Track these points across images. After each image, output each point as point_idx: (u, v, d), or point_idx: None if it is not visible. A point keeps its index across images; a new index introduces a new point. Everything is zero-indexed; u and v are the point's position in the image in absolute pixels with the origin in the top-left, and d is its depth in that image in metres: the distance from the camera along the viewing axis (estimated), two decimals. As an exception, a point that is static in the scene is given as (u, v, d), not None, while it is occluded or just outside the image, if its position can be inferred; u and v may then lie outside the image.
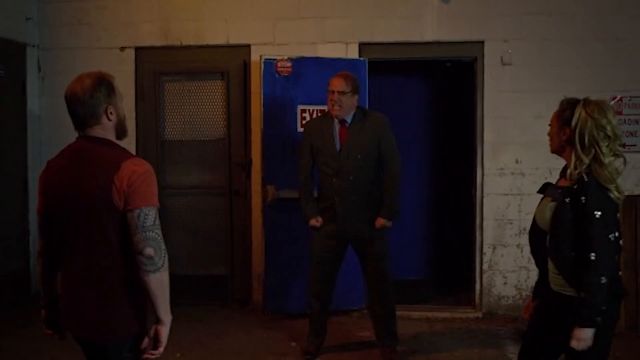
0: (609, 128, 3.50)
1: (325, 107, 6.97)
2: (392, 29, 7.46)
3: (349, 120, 5.86)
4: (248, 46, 7.63)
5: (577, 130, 3.51)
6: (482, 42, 7.37)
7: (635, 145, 7.19)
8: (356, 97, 5.87)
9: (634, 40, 7.20)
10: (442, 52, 7.57)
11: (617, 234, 3.44)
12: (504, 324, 7.08)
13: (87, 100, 3.20)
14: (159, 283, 3.14)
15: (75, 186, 3.16)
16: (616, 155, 3.54)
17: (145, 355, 3.27)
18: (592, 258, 3.31)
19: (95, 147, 3.20)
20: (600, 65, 7.23)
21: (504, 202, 7.28)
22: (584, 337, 3.33)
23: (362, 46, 7.54)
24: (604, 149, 3.49)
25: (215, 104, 7.79)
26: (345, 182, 5.77)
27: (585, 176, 3.45)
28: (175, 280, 7.98)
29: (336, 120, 5.87)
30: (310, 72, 7.10)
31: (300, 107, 7.13)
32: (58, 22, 7.93)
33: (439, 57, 7.71)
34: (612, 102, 7.17)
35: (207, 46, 7.72)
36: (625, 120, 7.16)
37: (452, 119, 8.85)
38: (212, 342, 6.48)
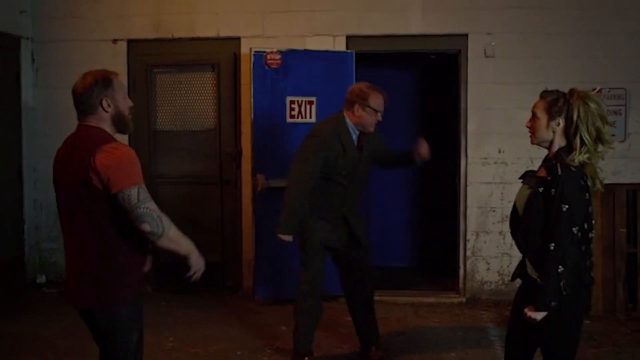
0: (594, 125, 3.61)
1: (313, 99, 7.19)
2: (378, 22, 7.63)
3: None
4: (238, 39, 7.77)
5: (579, 122, 3.62)
6: (466, 35, 7.54)
7: (614, 135, 7.32)
8: None
9: (614, 34, 7.39)
10: (428, 45, 7.75)
11: (586, 226, 3.58)
12: (486, 308, 7.29)
13: (84, 92, 3.51)
14: (168, 242, 3.48)
15: (64, 170, 3.50)
16: (596, 147, 3.66)
17: (192, 277, 3.76)
18: (552, 248, 3.49)
19: (83, 133, 3.51)
20: (581, 57, 7.42)
21: (487, 190, 7.47)
22: (534, 316, 3.56)
23: (350, 39, 7.70)
24: (607, 137, 3.66)
25: (206, 95, 7.95)
26: (356, 191, 5.63)
27: (559, 169, 3.57)
28: (167, 268, 8.20)
29: (356, 132, 5.52)
30: (299, 64, 7.26)
31: (289, 99, 7.28)
32: (51, 14, 8.04)
33: (424, 49, 7.88)
34: (592, 93, 7.34)
35: (198, 39, 7.85)
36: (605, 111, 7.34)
37: (437, 109, 8.99)
38: (205, 327, 6.64)
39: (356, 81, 7.34)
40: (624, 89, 7.38)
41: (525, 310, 3.61)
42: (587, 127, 3.60)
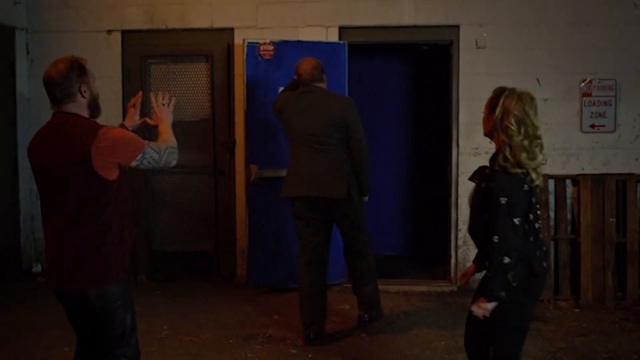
0: (527, 121, 3.66)
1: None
2: (371, 13, 7.67)
3: None
4: (231, 29, 7.80)
5: (497, 119, 3.72)
6: (458, 26, 7.58)
7: (604, 126, 7.44)
8: None
9: (603, 25, 7.44)
10: (420, 36, 7.80)
11: (531, 217, 3.67)
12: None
13: (62, 82, 3.58)
14: (172, 152, 3.86)
15: (49, 159, 3.54)
16: (532, 141, 3.67)
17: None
18: (495, 240, 3.55)
19: (67, 121, 3.59)
20: (571, 48, 7.47)
21: (479, 180, 7.52)
22: (483, 307, 3.64)
23: (342, 30, 7.73)
24: (516, 138, 3.63)
25: (200, 86, 7.99)
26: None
27: (496, 164, 3.67)
28: (161, 257, 8.25)
29: None
30: (292, 55, 7.24)
31: (281, 89, 7.29)
32: (45, 5, 8.06)
33: (416, 40, 7.96)
34: (582, 84, 7.42)
35: (192, 29, 7.88)
36: (594, 102, 7.42)
37: (429, 100, 9.04)
38: (198, 316, 6.70)
39: (348, 72, 7.44)
40: (614, 79, 7.43)
41: (474, 304, 3.70)
42: (501, 124, 3.70)
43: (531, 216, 3.66)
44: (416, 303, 7.18)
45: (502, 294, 3.57)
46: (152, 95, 4.24)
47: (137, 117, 4.37)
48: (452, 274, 7.71)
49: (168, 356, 5.66)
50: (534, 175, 3.66)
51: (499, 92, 3.82)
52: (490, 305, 3.62)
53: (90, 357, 3.84)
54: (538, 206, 3.78)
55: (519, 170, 3.63)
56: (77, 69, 3.62)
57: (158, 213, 8.11)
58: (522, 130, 3.64)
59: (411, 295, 7.46)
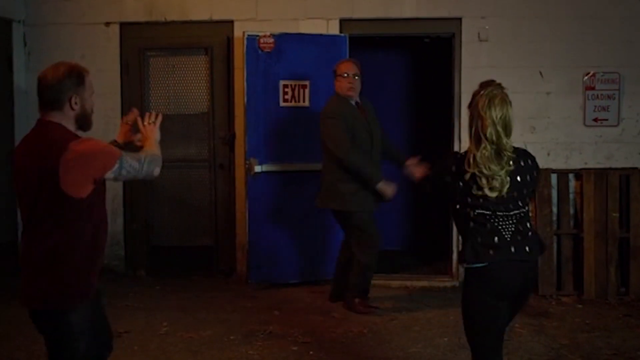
0: (489, 121, 3.62)
1: (306, 83, 7.18)
2: (372, 5, 7.61)
3: (358, 101, 6.48)
4: (231, 22, 7.73)
5: (468, 115, 3.80)
6: (460, 19, 7.53)
7: (607, 120, 7.40)
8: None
9: (606, 18, 7.39)
10: (421, 29, 7.74)
11: (469, 201, 3.70)
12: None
13: (54, 84, 3.35)
14: (151, 158, 3.65)
15: (27, 167, 3.33)
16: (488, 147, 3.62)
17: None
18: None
19: (44, 132, 3.35)
20: (574, 41, 7.42)
21: (480, 174, 7.46)
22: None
23: (343, 22, 7.67)
24: (482, 139, 3.64)
25: (199, 79, 7.94)
26: (378, 156, 6.52)
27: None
28: (161, 252, 8.20)
29: (352, 102, 6.42)
30: (292, 48, 7.25)
31: (282, 82, 7.28)
32: (43, -3, 8.01)
33: (418, 33, 7.89)
34: (586, 77, 7.36)
35: (191, 22, 7.82)
36: (597, 95, 7.37)
37: (430, 93, 8.99)
38: (198, 312, 6.63)
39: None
40: (618, 73, 7.38)
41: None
42: (469, 122, 3.77)
43: (469, 199, 3.69)
44: (417, 298, 7.12)
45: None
46: (138, 118, 3.98)
47: (132, 134, 4.08)
48: (454, 269, 7.65)
49: (168, 353, 5.59)
50: (483, 181, 3.63)
51: (478, 89, 3.82)
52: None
53: None
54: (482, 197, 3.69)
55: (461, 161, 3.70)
56: (76, 76, 3.41)
57: (157, 207, 8.05)
58: (487, 133, 3.62)
59: (412, 290, 7.41)
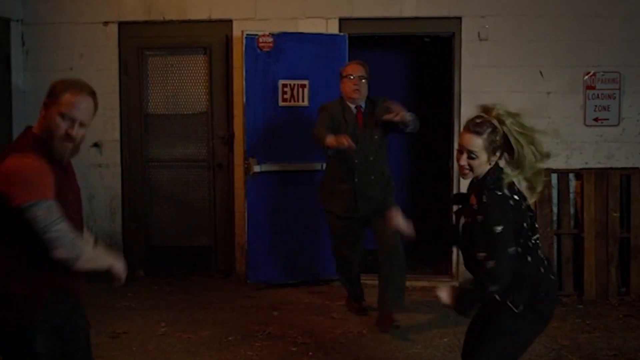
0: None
1: (305, 82, 7.15)
2: (371, 4, 7.57)
3: (363, 105, 6.26)
4: (230, 21, 7.70)
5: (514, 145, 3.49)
6: (460, 18, 7.49)
7: (608, 119, 7.36)
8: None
9: (606, 17, 7.36)
10: (421, 28, 7.71)
11: (521, 241, 3.44)
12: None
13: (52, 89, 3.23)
14: (86, 264, 3.12)
15: None
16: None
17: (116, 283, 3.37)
18: (488, 266, 3.33)
19: (19, 136, 3.26)
20: (574, 41, 7.38)
21: (480, 174, 7.43)
22: (441, 296, 3.56)
23: (342, 21, 7.63)
24: (539, 149, 3.46)
25: (198, 78, 7.90)
26: (366, 163, 6.13)
27: (484, 196, 3.40)
28: (159, 251, 8.19)
29: (352, 105, 6.23)
30: (292, 47, 7.23)
31: (281, 82, 7.26)
32: (41, -4, 7.98)
33: (417, 32, 7.87)
34: (586, 77, 7.33)
35: (190, 21, 7.78)
36: (598, 95, 7.34)
37: (431, 93, 8.96)
38: (196, 312, 6.61)
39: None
40: (618, 72, 7.34)
41: (438, 289, 3.61)
42: (521, 145, 3.42)
43: (521, 240, 3.43)
44: (417, 299, 7.10)
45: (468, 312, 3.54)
46: None
47: None
48: (454, 269, 7.63)
49: (166, 354, 5.57)
50: (534, 195, 3.52)
51: (490, 128, 3.44)
52: (445, 296, 3.53)
53: None
54: (533, 221, 3.54)
55: (510, 198, 3.42)
56: (65, 88, 3.21)
57: (156, 207, 8.02)
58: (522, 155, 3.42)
59: (412, 290, 7.35)
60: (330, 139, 5.81)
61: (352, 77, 6.16)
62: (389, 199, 6.19)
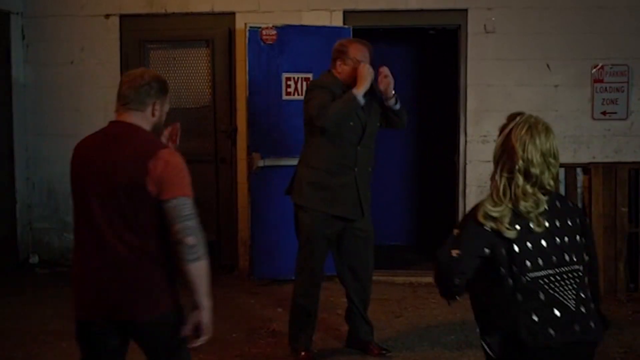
0: (520, 162, 2.89)
1: (309, 75, 7.04)
2: (376, -3, 7.48)
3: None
4: (233, 14, 7.62)
5: (496, 150, 3.06)
6: (466, 10, 7.41)
7: (616, 113, 7.28)
8: None
9: (615, 9, 7.27)
10: (426, 20, 7.63)
11: (514, 269, 2.88)
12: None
13: (141, 85, 3.28)
14: (200, 271, 3.16)
15: (108, 169, 3.19)
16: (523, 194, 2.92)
17: (191, 344, 3.27)
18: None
19: (133, 132, 3.27)
20: (582, 33, 7.30)
21: (487, 169, 7.27)
22: None
23: (347, 14, 7.56)
24: (503, 179, 2.95)
25: (201, 71, 7.82)
26: (367, 152, 5.31)
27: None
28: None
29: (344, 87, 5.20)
30: (295, 40, 7.13)
31: (285, 75, 7.17)
32: (41, -11, 7.89)
33: (422, 25, 7.79)
34: (594, 70, 7.24)
35: (192, 14, 7.70)
36: (606, 88, 7.25)
37: (436, 86, 8.88)
38: (199, 308, 6.53)
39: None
40: (627, 65, 7.26)
41: None
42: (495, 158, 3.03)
43: (514, 268, 2.88)
44: (423, 295, 7.00)
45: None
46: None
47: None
48: (460, 265, 7.54)
49: (169, 351, 5.49)
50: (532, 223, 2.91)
51: (509, 120, 3.07)
52: None
53: None
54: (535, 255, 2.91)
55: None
56: (162, 84, 3.38)
57: (158, 202, 7.94)
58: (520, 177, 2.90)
59: (417, 286, 7.29)
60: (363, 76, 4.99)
61: (361, 62, 5.13)
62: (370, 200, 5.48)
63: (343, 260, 5.44)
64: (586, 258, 3.02)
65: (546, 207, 2.92)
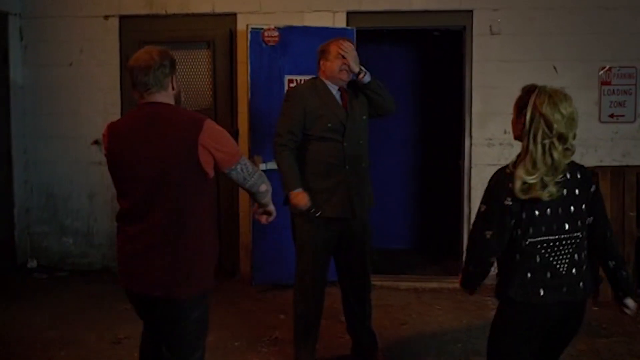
0: (555, 125, 3.19)
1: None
2: (380, -2, 7.38)
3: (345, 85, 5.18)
4: (234, 15, 7.52)
5: (526, 122, 3.24)
6: (471, 11, 7.31)
7: (623, 116, 7.18)
8: None
9: (622, 9, 7.16)
10: (431, 21, 7.52)
11: (518, 232, 3.26)
12: (491, 294, 6.98)
13: (156, 69, 3.43)
14: (269, 197, 3.76)
15: (152, 147, 3.34)
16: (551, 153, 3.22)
17: (262, 220, 4.07)
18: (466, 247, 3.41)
19: (170, 110, 3.45)
20: (590, 34, 7.19)
21: (492, 172, 7.18)
22: None
23: (350, 15, 7.46)
24: (539, 147, 3.20)
25: (201, 73, 7.71)
26: (357, 147, 5.07)
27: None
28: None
29: (334, 87, 5.09)
30: (298, 41, 7.01)
31: (287, 77, 7.05)
32: (40, -11, 7.79)
33: (427, 26, 7.68)
34: (601, 72, 7.13)
35: (193, 15, 7.60)
36: (614, 90, 7.14)
37: (440, 88, 8.80)
38: (201, 314, 6.42)
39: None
40: (635, 67, 7.16)
41: None
42: (529, 129, 3.24)
43: (519, 231, 3.24)
44: (428, 301, 6.90)
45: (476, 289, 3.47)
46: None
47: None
48: (465, 270, 7.43)
49: (169, 360, 5.37)
50: (545, 196, 3.18)
51: (528, 92, 3.31)
52: None
53: None
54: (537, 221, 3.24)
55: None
56: (170, 60, 3.54)
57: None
58: (549, 140, 3.22)
59: (422, 292, 7.18)
60: (298, 200, 4.93)
61: (343, 55, 5.00)
62: (371, 199, 5.29)
63: (340, 265, 5.30)
64: (589, 220, 3.33)
65: (567, 176, 3.28)
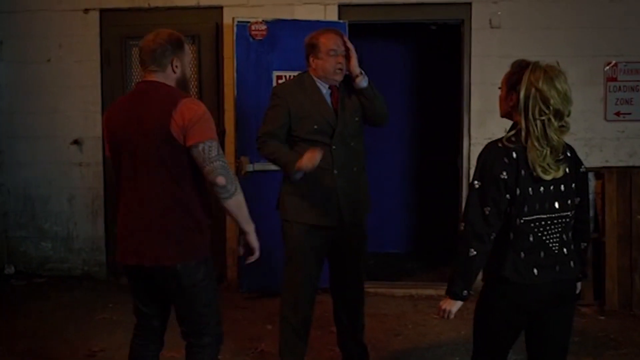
0: (552, 102, 3.14)
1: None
2: (374, -11, 7.10)
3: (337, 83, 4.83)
4: (220, 8, 7.26)
5: (521, 99, 3.18)
6: (470, 4, 7.03)
7: (630, 114, 6.91)
8: None
9: (629, 2, 6.88)
10: (427, 15, 7.26)
11: (512, 210, 3.21)
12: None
13: (156, 48, 3.59)
14: (236, 205, 3.64)
15: (134, 122, 3.53)
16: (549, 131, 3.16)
17: (247, 261, 3.92)
18: (461, 228, 3.23)
19: (155, 87, 3.60)
20: (593, 28, 6.92)
21: (492, 173, 6.98)
22: (447, 308, 3.35)
23: (342, 8, 7.19)
24: (538, 124, 3.16)
25: (186, 69, 7.40)
26: (347, 150, 4.71)
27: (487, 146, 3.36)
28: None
29: (324, 85, 4.71)
30: (287, 35, 6.72)
31: (275, 73, 6.77)
32: (16, -18, 7.53)
33: (423, 19, 7.42)
34: (607, 67, 6.84)
35: (177, 8, 7.32)
36: (620, 87, 6.87)
37: (438, 85, 8.57)
38: (183, 324, 6.10)
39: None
40: (642, 63, 6.89)
41: (440, 303, 3.38)
42: (526, 106, 3.18)
43: (513, 209, 3.19)
44: (424, 309, 6.58)
45: (466, 292, 3.26)
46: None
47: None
48: (463, 276, 7.12)
49: (146, 376, 5.03)
50: (537, 169, 3.15)
51: (522, 67, 3.28)
52: (455, 307, 3.33)
53: None
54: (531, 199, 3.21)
55: (507, 156, 3.19)
56: (176, 40, 3.67)
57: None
58: (547, 117, 3.16)
59: (418, 299, 6.89)
60: (305, 161, 4.43)
61: (334, 54, 4.61)
62: (367, 204, 4.98)
63: (334, 272, 4.99)
64: (577, 200, 3.31)
65: (568, 154, 3.28)
